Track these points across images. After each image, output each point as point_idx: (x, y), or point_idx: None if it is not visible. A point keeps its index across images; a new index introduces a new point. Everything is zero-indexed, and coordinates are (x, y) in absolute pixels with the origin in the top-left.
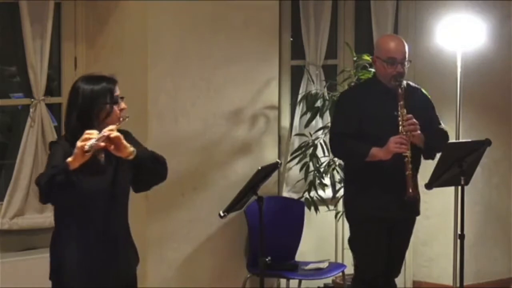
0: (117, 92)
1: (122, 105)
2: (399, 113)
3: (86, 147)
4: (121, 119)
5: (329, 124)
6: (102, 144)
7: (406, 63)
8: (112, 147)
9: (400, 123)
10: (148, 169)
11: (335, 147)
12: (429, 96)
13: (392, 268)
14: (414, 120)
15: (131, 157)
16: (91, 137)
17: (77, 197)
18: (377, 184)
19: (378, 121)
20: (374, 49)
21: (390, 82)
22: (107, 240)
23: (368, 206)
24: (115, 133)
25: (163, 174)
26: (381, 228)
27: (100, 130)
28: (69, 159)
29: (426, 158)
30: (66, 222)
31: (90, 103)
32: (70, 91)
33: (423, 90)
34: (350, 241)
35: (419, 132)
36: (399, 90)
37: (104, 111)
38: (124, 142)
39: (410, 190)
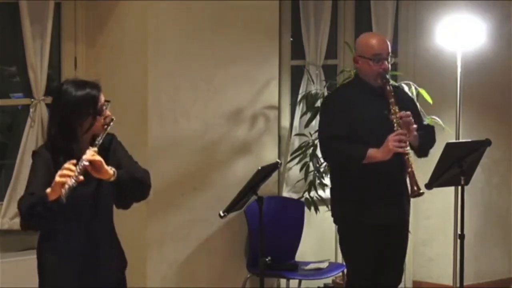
0: (102, 100)
1: (107, 113)
2: (392, 110)
3: (63, 192)
4: (105, 126)
5: None
6: (81, 177)
7: (389, 58)
8: (92, 170)
9: (394, 120)
10: (128, 191)
11: (328, 153)
12: (410, 94)
13: (391, 275)
14: (408, 112)
15: (111, 179)
16: (69, 174)
17: (61, 209)
18: (374, 191)
19: (368, 122)
20: (356, 48)
21: (377, 81)
22: (89, 247)
23: (364, 214)
24: (96, 158)
25: (143, 195)
26: (375, 236)
27: (83, 140)
28: (48, 190)
29: (420, 156)
30: (46, 235)
31: (72, 113)
32: (53, 95)
33: (405, 88)
34: (342, 248)
35: (415, 126)
36: (388, 88)
37: (87, 122)
38: (105, 166)
39: (415, 188)
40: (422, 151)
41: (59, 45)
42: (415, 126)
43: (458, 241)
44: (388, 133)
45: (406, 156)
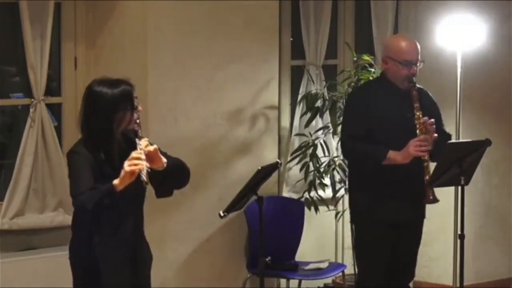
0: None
1: (139, 107)
2: (416, 115)
3: (144, 179)
4: (137, 121)
5: (329, 124)
6: (148, 164)
7: (419, 63)
8: (148, 159)
9: (417, 126)
10: (174, 177)
11: (349, 150)
12: (433, 98)
13: (405, 272)
14: (432, 120)
15: (163, 167)
16: (139, 162)
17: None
18: (392, 188)
19: (390, 123)
20: (384, 49)
21: (403, 84)
22: (134, 241)
23: (381, 210)
24: (153, 147)
25: (185, 181)
26: (390, 233)
27: (117, 135)
28: (116, 182)
29: (433, 160)
30: (95, 228)
31: (111, 108)
32: (86, 96)
33: (428, 92)
34: (357, 246)
35: (436, 134)
36: (414, 92)
37: (126, 117)
38: (160, 154)
39: (431, 197)
40: (434, 157)
41: (59, 45)
42: (435, 135)
43: (458, 241)
44: (409, 136)
45: (426, 163)
